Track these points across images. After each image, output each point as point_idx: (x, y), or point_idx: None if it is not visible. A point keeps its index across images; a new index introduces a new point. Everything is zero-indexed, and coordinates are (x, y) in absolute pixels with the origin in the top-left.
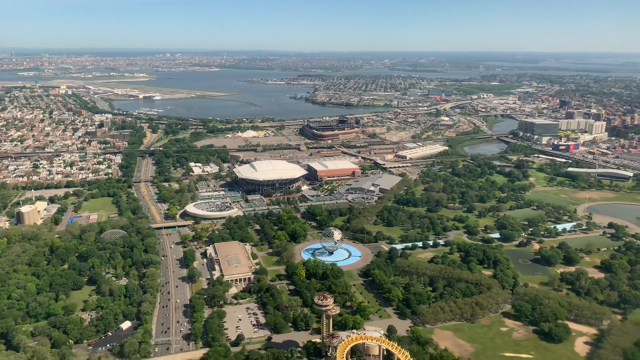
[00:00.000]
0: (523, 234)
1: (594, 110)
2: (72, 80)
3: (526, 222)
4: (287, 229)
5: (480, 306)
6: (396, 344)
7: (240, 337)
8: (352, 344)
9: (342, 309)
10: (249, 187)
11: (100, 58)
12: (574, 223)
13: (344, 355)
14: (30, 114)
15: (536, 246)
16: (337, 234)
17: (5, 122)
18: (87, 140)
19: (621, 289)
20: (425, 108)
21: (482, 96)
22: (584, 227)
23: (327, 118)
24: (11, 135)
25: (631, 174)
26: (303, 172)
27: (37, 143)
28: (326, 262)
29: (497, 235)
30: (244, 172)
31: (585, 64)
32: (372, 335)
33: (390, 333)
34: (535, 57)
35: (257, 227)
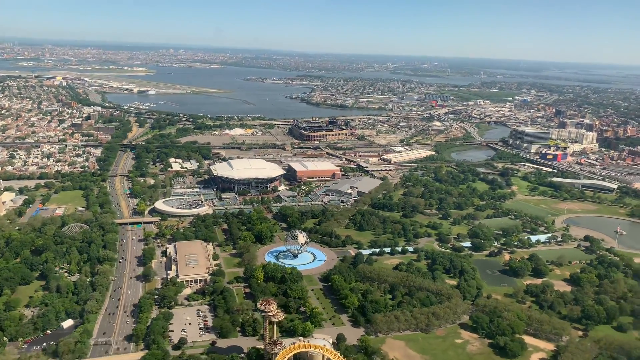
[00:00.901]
0: (495, 243)
1: (587, 121)
2: (69, 71)
3: (500, 232)
4: (254, 230)
5: (436, 316)
6: (339, 354)
7: (182, 341)
8: (293, 352)
9: (296, 315)
10: (225, 185)
11: (102, 51)
12: (549, 235)
13: None
14: (19, 103)
15: (507, 257)
16: (302, 237)
17: None
18: (70, 132)
19: (586, 303)
20: (419, 113)
21: (478, 103)
22: (559, 239)
23: (317, 119)
24: None
25: (615, 186)
26: (281, 171)
27: (19, 133)
28: (286, 266)
29: (468, 244)
30: (220, 169)
31: (588, 75)
32: (318, 343)
33: (339, 341)
34: (539, 66)
35: (226, 226)
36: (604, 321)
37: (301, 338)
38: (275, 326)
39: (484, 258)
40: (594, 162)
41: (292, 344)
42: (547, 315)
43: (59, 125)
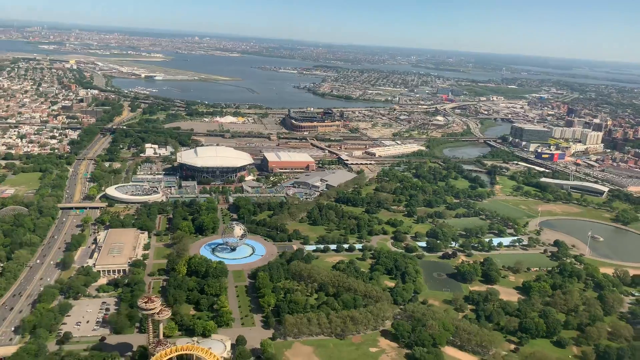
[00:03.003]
0: (453, 244)
1: (596, 120)
2: (86, 55)
3: (464, 232)
4: (198, 221)
5: (354, 321)
6: (228, 358)
7: (67, 335)
8: (170, 356)
9: (207, 313)
10: (188, 173)
11: (127, 37)
12: (514, 238)
13: None
14: (20, 84)
15: (463, 259)
16: (239, 230)
17: None
18: (55, 114)
19: (528, 315)
20: (426, 107)
21: (491, 99)
22: (524, 243)
23: (312, 109)
24: None
25: (606, 189)
26: (248, 161)
27: (4, 113)
28: (218, 260)
29: (424, 243)
30: (185, 157)
31: (619, 74)
32: (214, 344)
33: (237, 344)
34: (569, 63)
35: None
36: (543, 335)
37: (194, 339)
38: (161, 325)
39: (437, 260)
40: (593, 163)
41: (187, 343)
42: (477, 326)
43: (49, 107)
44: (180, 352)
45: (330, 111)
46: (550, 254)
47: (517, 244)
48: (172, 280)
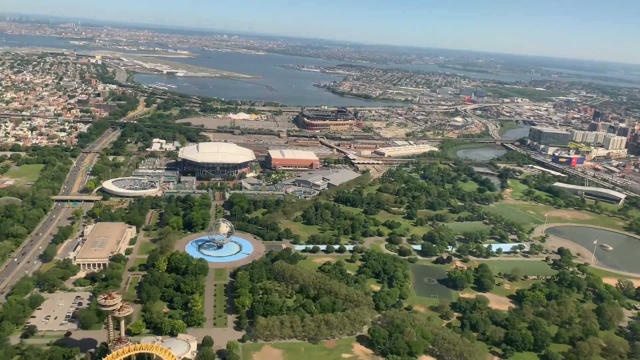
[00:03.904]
0: (450, 249)
1: (622, 124)
2: (112, 51)
3: (463, 237)
4: (188, 216)
5: (329, 325)
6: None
7: (32, 329)
8: (127, 354)
9: (181, 311)
10: (189, 168)
11: (156, 34)
12: (516, 244)
13: None
14: (42, 78)
15: (458, 264)
16: (225, 227)
17: (10, 84)
18: (69, 107)
19: (516, 325)
20: (446, 107)
21: (516, 100)
22: (525, 250)
23: (326, 107)
24: (5, 96)
25: (623, 196)
26: (249, 158)
27: (20, 105)
28: (202, 257)
29: (419, 247)
30: (186, 152)
31: None
32: (179, 344)
33: (204, 345)
34: (604, 66)
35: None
36: (530, 348)
37: (159, 337)
38: (122, 322)
39: (430, 264)
40: (613, 169)
41: (152, 342)
42: (459, 336)
43: (66, 101)
44: (139, 351)
45: (344, 110)
46: (552, 262)
47: (518, 250)
48: (149, 277)
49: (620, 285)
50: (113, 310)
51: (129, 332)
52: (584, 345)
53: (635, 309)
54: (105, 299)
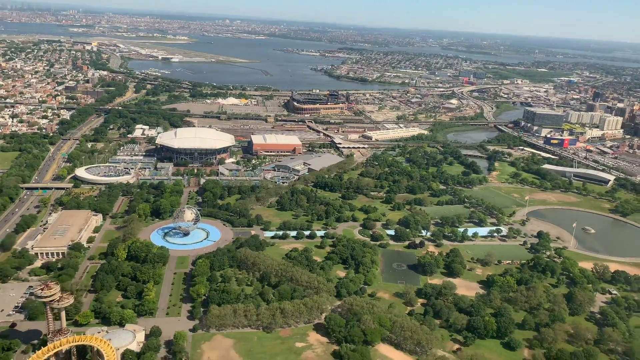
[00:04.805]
0: (425, 233)
1: (620, 105)
2: (109, 38)
3: (440, 221)
4: (156, 203)
5: (284, 314)
6: (114, 351)
7: None
8: (64, 347)
9: (135, 300)
10: (167, 154)
11: (157, 20)
12: (493, 228)
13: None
14: (32, 65)
15: (431, 249)
16: (190, 214)
17: (0, 72)
18: (55, 94)
19: (481, 312)
20: (442, 89)
21: (515, 82)
22: (503, 234)
23: (317, 91)
24: None
25: (612, 178)
26: (228, 143)
27: (6, 93)
28: (157, 245)
29: (393, 232)
30: (164, 138)
31: None
32: (125, 335)
33: (151, 335)
34: (612, 46)
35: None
36: (493, 335)
37: (104, 328)
38: (63, 313)
39: (402, 249)
40: (606, 150)
41: (98, 332)
42: (417, 323)
43: (54, 88)
44: (77, 343)
45: (335, 93)
46: (530, 245)
47: (495, 234)
48: (105, 265)
49: (595, 269)
50: (51, 300)
51: (76, 323)
52: (547, 331)
53: (610, 293)
54: (42, 289)
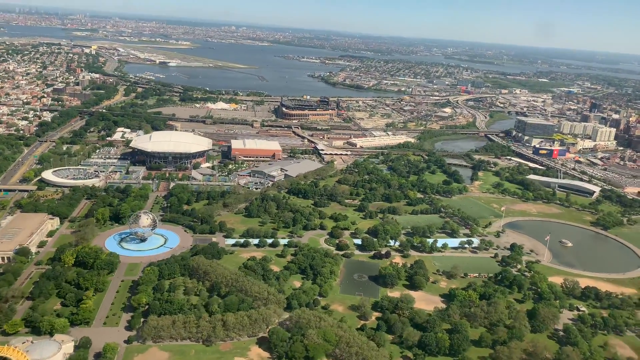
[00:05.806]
0: (392, 243)
1: (615, 116)
2: (110, 42)
3: (411, 230)
4: (117, 207)
5: (225, 326)
6: None
7: None
8: None
9: (73, 308)
10: (140, 157)
11: (162, 25)
12: (464, 239)
13: None
14: (25, 67)
15: (397, 260)
16: (145, 219)
17: None
18: (40, 96)
19: (436, 328)
20: (438, 98)
21: (514, 92)
22: (474, 245)
23: (308, 97)
24: None
25: (597, 189)
26: (204, 147)
27: None
28: (106, 251)
29: (360, 241)
30: (138, 141)
31: None
32: (51, 345)
33: (81, 346)
34: (618, 58)
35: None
36: (445, 352)
37: (29, 338)
38: None
39: (367, 260)
40: (596, 161)
41: (22, 343)
42: (365, 339)
43: (43, 90)
44: None
45: (326, 100)
46: (501, 258)
47: (467, 245)
48: (48, 271)
49: (565, 284)
50: None
51: (4, 332)
52: (503, 350)
53: (578, 310)
54: None
